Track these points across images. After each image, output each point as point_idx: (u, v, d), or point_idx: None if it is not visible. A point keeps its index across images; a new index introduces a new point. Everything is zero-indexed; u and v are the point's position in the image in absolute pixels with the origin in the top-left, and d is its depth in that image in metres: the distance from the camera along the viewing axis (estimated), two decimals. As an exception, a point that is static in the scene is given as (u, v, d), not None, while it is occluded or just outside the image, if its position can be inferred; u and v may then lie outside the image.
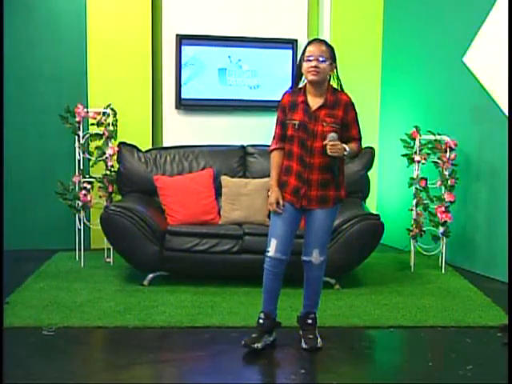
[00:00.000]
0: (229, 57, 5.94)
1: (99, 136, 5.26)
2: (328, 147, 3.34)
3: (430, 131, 5.21)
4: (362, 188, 5.24)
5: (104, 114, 5.27)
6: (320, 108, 3.43)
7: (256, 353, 3.49)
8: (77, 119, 5.20)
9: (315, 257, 3.54)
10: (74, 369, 3.26)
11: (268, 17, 6.02)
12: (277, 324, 3.64)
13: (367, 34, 6.25)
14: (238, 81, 5.97)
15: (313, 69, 3.36)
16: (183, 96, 5.89)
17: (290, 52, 5.97)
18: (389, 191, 6.26)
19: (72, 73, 5.74)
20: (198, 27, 5.90)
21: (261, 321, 3.58)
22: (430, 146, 5.22)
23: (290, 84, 3.68)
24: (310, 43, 3.44)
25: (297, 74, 3.53)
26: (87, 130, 5.32)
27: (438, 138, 5.18)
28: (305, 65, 3.40)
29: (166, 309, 4.15)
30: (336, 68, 3.48)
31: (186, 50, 5.85)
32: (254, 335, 3.54)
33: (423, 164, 5.22)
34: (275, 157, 3.55)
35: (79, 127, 5.23)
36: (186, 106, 5.93)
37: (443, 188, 5.17)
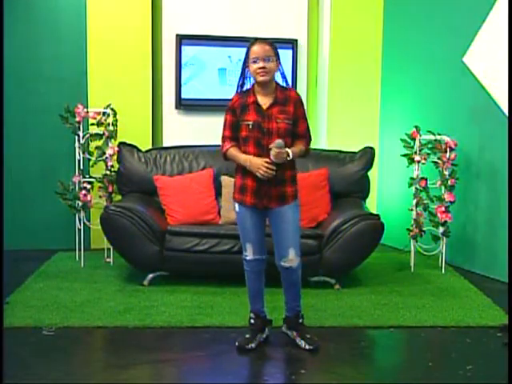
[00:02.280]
0: (229, 57, 5.95)
1: (99, 136, 5.26)
2: (272, 153, 3.35)
3: (429, 131, 5.21)
4: (362, 188, 5.24)
5: (104, 113, 5.27)
6: (271, 106, 3.44)
7: (255, 353, 3.50)
8: (77, 119, 5.21)
9: (292, 258, 3.49)
10: (74, 369, 3.26)
11: (268, 17, 6.02)
12: (267, 321, 3.68)
13: (367, 34, 6.25)
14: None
15: (261, 70, 3.38)
16: (183, 96, 5.89)
17: (290, 52, 5.97)
18: (389, 191, 6.26)
19: (72, 73, 5.74)
20: (198, 27, 5.90)
21: (252, 320, 3.64)
22: (430, 146, 5.22)
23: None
24: (252, 44, 3.43)
25: (242, 76, 3.53)
26: (87, 130, 5.32)
27: (438, 138, 5.18)
28: (253, 66, 3.40)
29: (166, 309, 4.15)
30: (280, 65, 3.49)
31: (186, 49, 5.85)
32: (247, 336, 3.57)
33: (423, 164, 5.22)
34: (233, 150, 3.50)
35: (79, 127, 5.23)
36: (185, 105, 5.93)
37: (443, 188, 5.17)
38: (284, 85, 3.55)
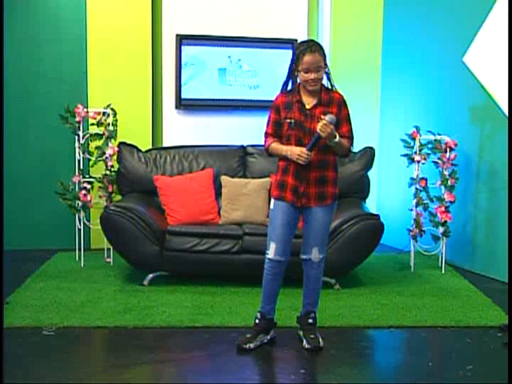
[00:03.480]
0: (229, 57, 5.94)
1: (99, 136, 5.26)
2: (320, 123, 3.34)
3: (429, 131, 5.21)
4: (362, 188, 5.23)
5: (104, 113, 5.27)
6: (315, 106, 3.47)
7: (255, 353, 3.49)
8: (77, 119, 5.21)
9: (315, 255, 3.57)
10: (74, 369, 3.25)
11: (268, 17, 6.02)
12: (273, 324, 3.66)
13: (367, 34, 6.25)
14: (238, 81, 5.97)
15: (312, 81, 3.41)
16: (183, 96, 5.89)
17: (290, 52, 5.96)
18: (389, 191, 6.26)
19: (72, 73, 5.74)
20: (198, 27, 5.90)
21: (256, 321, 3.63)
22: (430, 146, 5.22)
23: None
24: (305, 53, 3.39)
25: (289, 79, 3.53)
26: (87, 130, 5.32)
27: (438, 138, 5.18)
28: (303, 75, 3.41)
29: (166, 309, 4.15)
30: (327, 66, 3.49)
31: (186, 49, 5.85)
32: (247, 335, 3.57)
33: (423, 164, 5.22)
34: (274, 145, 3.53)
35: (79, 127, 5.23)
36: (186, 105, 5.93)
37: (443, 188, 5.17)
38: (329, 85, 3.55)
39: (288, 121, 3.47)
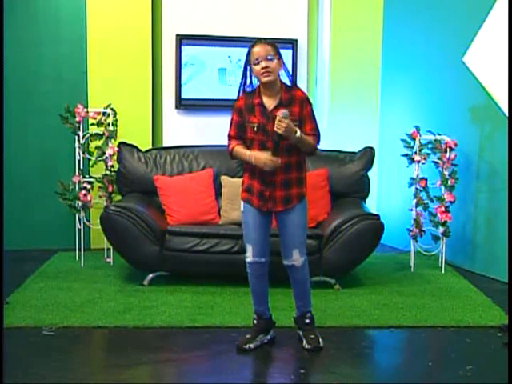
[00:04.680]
0: (229, 57, 5.94)
1: (99, 136, 5.26)
2: (276, 121, 3.28)
3: (429, 131, 5.21)
4: (362, 188, 5.23)
5: (104, 113, 5.27)
6: (276, 108, 3.39)
7: (255, 353, 3.50)
8: (77, 119, 5.21)
9: (296, 258, 3.50)
10: (74, 369, 3.25)
11: (268, 17, 6.02)
12: (272, 324, 3.66)
13: (367, 34, 6.25)
14: (238, 81, 5.95)
15: (264, 70, 3.35)
16: (183, 96, 5.89)
17: (290, 52, 5.96)
18: (389, 191, 6.26)
19: (72, 73, 5.74)
20: (198, 27, 5.89)
21: (255, 321, 3.63)
22: (430, 146, 5.22)
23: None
24: (253, 46, 3.40)
25: (245, 78, 3.50)
26: (87, 130, 5.32)
27: (438, 137, 5.18)
28: (255, 68, 3.38)
29: (166, 309, 4.15)
30: (283, 63, 3.45)
31: (186, 49, 5.85)
32: (247, 336, 3.57)
33: (423, 164, 5.22)
34: (238, 148, 3.47)
35: (79, 127, 5.23)
36: (186, 105, 5.93)
37: (443, 188, 5.17)
38: (289, 83, 3.50)
39: (251, 125, 3.42)
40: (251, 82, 3.50)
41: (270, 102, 3.43)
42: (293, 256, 3.50)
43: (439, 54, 5.65)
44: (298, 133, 3.33)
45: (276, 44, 3.45)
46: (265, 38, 3.51)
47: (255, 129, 3.41)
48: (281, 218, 3.51)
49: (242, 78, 3.51)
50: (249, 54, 3.42)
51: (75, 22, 5.70)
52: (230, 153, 3.55)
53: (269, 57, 3.35)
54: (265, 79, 3.37)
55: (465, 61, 5.32)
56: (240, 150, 3.47)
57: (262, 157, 3.36)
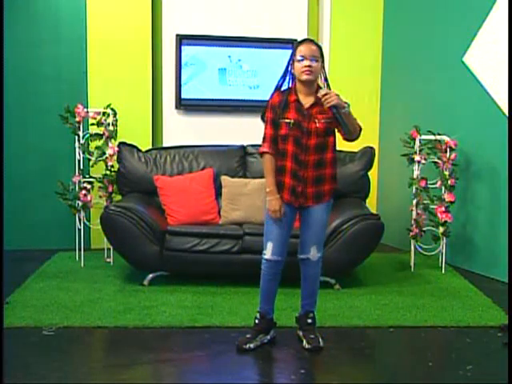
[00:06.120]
0: (229, 57, 5.95)
1: (99, 136, 5.26)
2: (323, 100, 3.34)
3: (430, 131, 5.21)
4: (362, 188, 5.23)
5: (104, 114, 5.27)
6: (312, 106, 3.46)
7: (255, 353, 3.49)
8: (77, 119, 5.21)
9: (313, 253, 3.55)
10: (74, 369, 3.25)
11: (268, 17, 6.02)
12: (273, 324, 3.66)
13: (367, 34, 6.26)
14: (238, 81, 5.97)
15: (306, 68, 3.39)
16: (183, 96, 5.89)
17: (290, 52, 5.93)
18: (389, 191, 6.26)
19: (72, 73, 5.75)
20: (198, 27, 5.90)
21: (256, 321, 3.63)
22: (429, 145, 5.22)
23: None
24: (300, 43, 3.46)
25: (285, 76, 3.53)
26: (87, 130, 5.32)
27: (438, 137, 5.18)
28: (297, 65, 3.42)
29: (166, 309, 4.15)
30: (324, 68, 3.51)
31: (186, 49, 5.86)
32: (247, 335, 3.57)
33: (423, 164, 5.22)
34: (268, 161, 3.49)
35: (79, 127, 5.23)
36: (186, 105, 5.93)
37: (443, 188, 5.17)
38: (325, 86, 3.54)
39: (287, 121, 3.45)
40: (288, 79, 3.52)
41: (306, 100, 3.47)
42: (310, 252, 3.55)
43: (439, 54, 5.65)
44: (347, 107, 3.39)
45: (321, 47, 3.49)
46: (312, 40, 3.51)
47: (291, 125, 3.44)
48: (307, 214, 3.53)
49: (283, 76, 3.54)
50: (294, 50, 3.45)
51: (75, 22, 5.71)
52: (260, 154, 3.57)
53: (313, 58, 3.40)
54: (304, 77, 3.41)
55: (465, 61, 5.32)
56: (268, 164, 3.49)
57: (276, 203, 3.44)
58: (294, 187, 3.48)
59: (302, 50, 3.41)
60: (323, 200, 3.52)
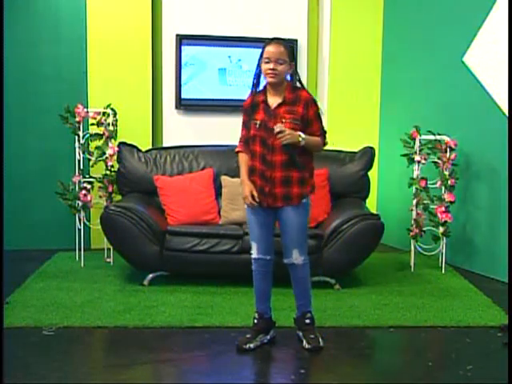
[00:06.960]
0: (229, 57, 5.95)
1: (99, 136, 5.26)
2: (278, 137, 3.36)
3: (430, 131, 5.21)
4: (362, 188, 5.23)
5: (104, 114, 5.27)
6: (279, 106, 3.45)
7: (255, 353, 3.49)
8: (77, 119, 5.20)
9: (295, 257, 3.53)
10: (74, 369, 3.25)
11: (268, 17, 6.02)
12: (272, 324, 3.66)
13: (367, 34, 6.25)
14: (238, 81, 5.97)
15: (271, 71, 3.39)
16: (183, 96, 5.89)
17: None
18: (389, 191, 6.26)
19: (72, 73, 5.74)
20: (198, 27, 5.90)
21: (255, 321, 3.63)
22: (429, 145, 5.22)
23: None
24: (268, 44, 3.43)
25: (257, 76, 3.53)
26: (87, 130, 5.32)
27: (438, 137, 5.18)
28: (264, 66, 3.42)
29: (166, 309, 4.15)
30: (295, 66, 3.51)
31: (186, 49, 5.86)
32: (247, 335, 3.57)
33: (423, 164, 5.22)
34: (241, 157, 3.59)
35: (79, 127, 5.23)
36: (186, 105, 5.93)
37: (443, 188, 5.17)
38: (297, 84, 3.54)
39: (254, 122, 3.47)
40: (261, 79, 3.53)
41: (273, 100, 3.47)
42: (293, 255, 3.53)
43: (439, 53, 5.64)
44: (302, 135, 3.39)
45: (291, 46, 3.49)
46: (281, 39, 3.49)
47: (257, 126, 3.46)
48: (281, 217, 3.53)
49: (254, 78, 3.55)
50: (262, 50, 3.44)
51: (75, 22, 5.71)
52: (236, 153, 3.64)
53: (280, 60, 3.39)
54: (269, 79, 3.43)
55: (465, 61, 5.32)
56: (241, 160, 3.58)
57: (246, 188, 3.50)
58: (262, 187, 3.49)
59: (268, 51, 3.40)
60: (292, 202, 3.48)
